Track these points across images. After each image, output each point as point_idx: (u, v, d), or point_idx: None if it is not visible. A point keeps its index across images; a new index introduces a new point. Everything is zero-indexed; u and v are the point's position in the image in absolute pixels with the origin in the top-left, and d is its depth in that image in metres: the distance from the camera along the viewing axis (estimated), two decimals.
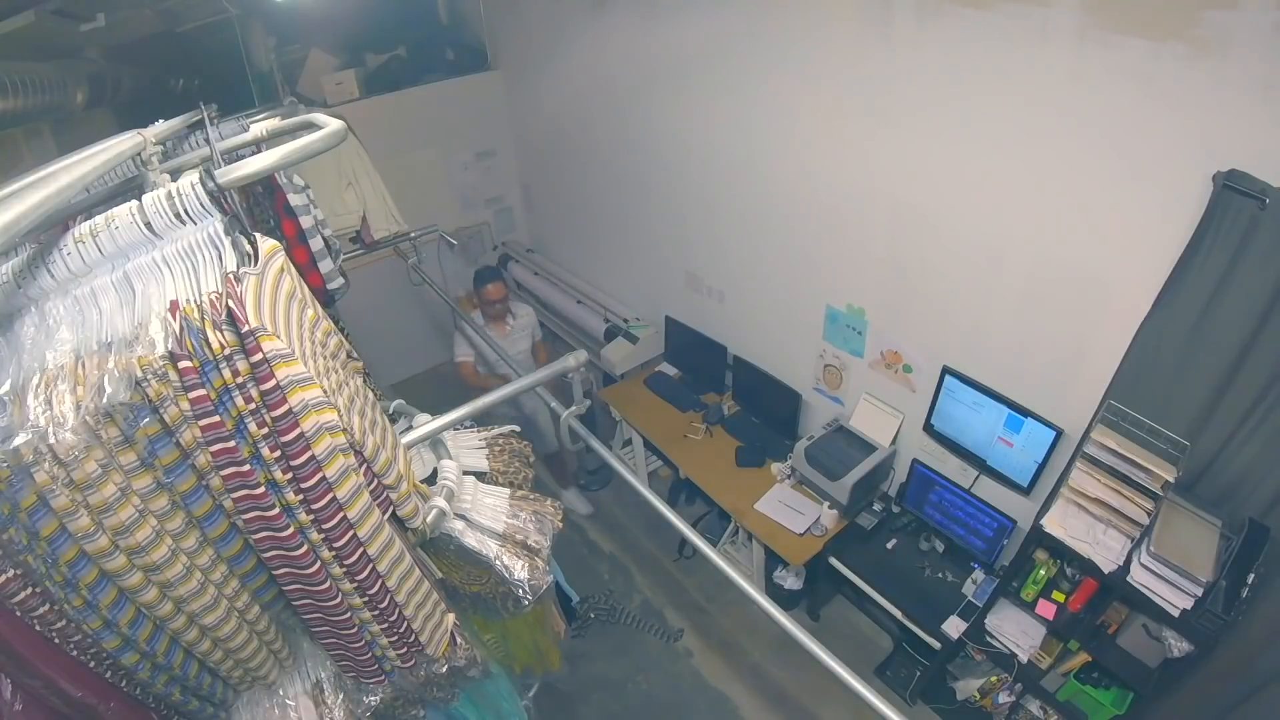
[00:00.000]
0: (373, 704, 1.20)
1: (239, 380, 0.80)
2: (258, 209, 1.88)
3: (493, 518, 1.26)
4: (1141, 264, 1.88)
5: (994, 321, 2.36)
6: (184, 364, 0.77)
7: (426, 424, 1.31)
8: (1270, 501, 1.85)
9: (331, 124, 0.98)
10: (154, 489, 0.85)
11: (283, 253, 0.92)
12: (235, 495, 0.86)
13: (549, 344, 3.92)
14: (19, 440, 0.74)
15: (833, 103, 2.52)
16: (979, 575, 2.65)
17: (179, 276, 0.83)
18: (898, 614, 2.67)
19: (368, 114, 3.87)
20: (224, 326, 0.78)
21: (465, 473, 1.30)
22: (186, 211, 0.83)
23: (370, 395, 1.13)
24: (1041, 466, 2.37)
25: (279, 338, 0.81)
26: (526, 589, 1.23)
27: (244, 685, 1.12)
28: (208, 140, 1.43)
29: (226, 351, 0.79)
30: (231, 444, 0.83)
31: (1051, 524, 1.99)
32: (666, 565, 3.62)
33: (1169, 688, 1.96)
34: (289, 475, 0.86)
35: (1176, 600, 1.79)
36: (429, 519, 1.10)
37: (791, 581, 3.19)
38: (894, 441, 2.88)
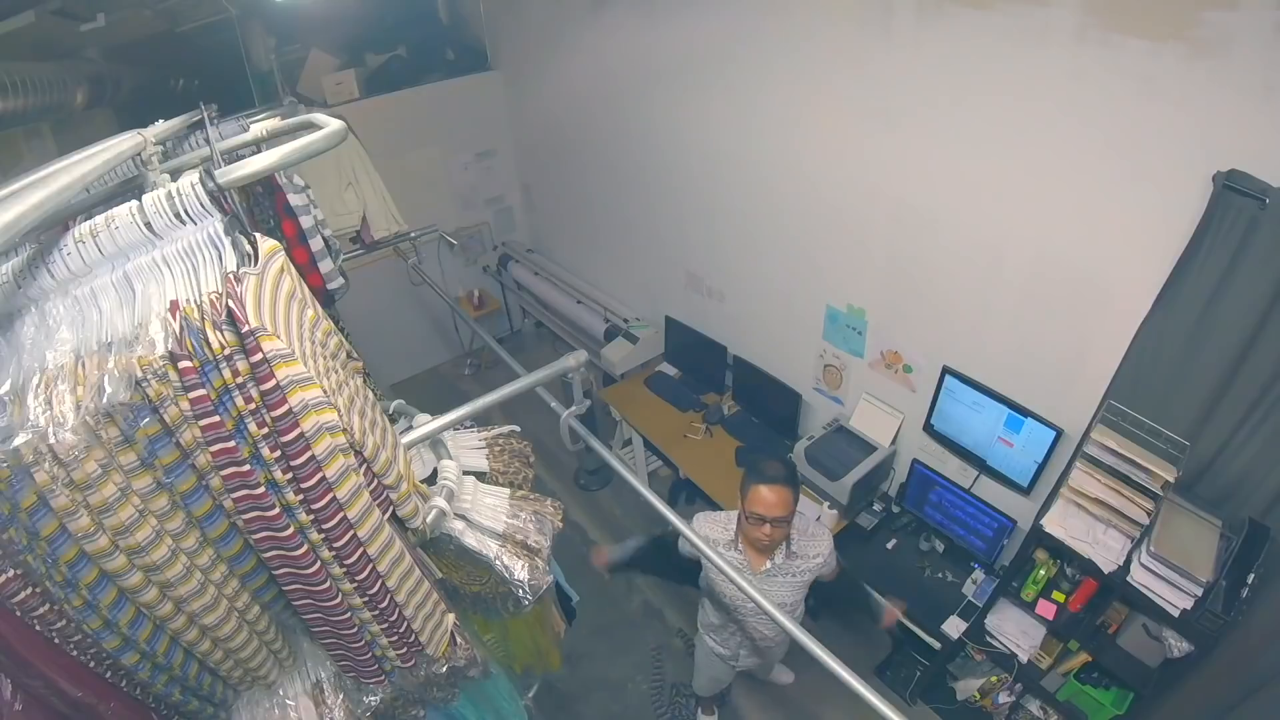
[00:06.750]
0: (373, 704, 1.19)
1: (239, 380, 0.80)
2: (258, 209, 1.88)
3: (493, 518, 1.26)
4: (1141, 264, 1.89)
5: (994, 321, 2.36)
6: (184, 364, 0.77)
7: (426, 424, 1.31)
8: (1270, 501, 1.85)
9: (331, 124, 0.99)
10: (154, 489, 0.85)
11: (283, 253, 0.92)
12: (235, 495, 0.86)
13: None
14: (19, 440, 0.74)
15: (833, 102, 2.52)
16: (979, 575, 2.65)
17: (179, 276, 0.83)
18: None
19: (368, 114, 3.89)
20: (224, 326, 0.78)
21: (465, 473, 1.30)
22: (186, 211, 0.83)
23: (370, 395, 1.13)
24: (1041, 466, 2.37)
25: (279, 338, 0.81)
26: (526, 589, 1.23)
27: (244, 685, 1.12)
28: (208, 140, 1.43)
29: (226, 351, 0.78)
30: (231, 444, 0.83)
31: (1051, 524, 1.99)
32: None
33: (1169, 688, 1.96)
34: (289, 475, 0.86)
35: (1176, 600, 1.79)
36: (429, 519, 1.10)
37: None
38: (894, 441, 2.88)
